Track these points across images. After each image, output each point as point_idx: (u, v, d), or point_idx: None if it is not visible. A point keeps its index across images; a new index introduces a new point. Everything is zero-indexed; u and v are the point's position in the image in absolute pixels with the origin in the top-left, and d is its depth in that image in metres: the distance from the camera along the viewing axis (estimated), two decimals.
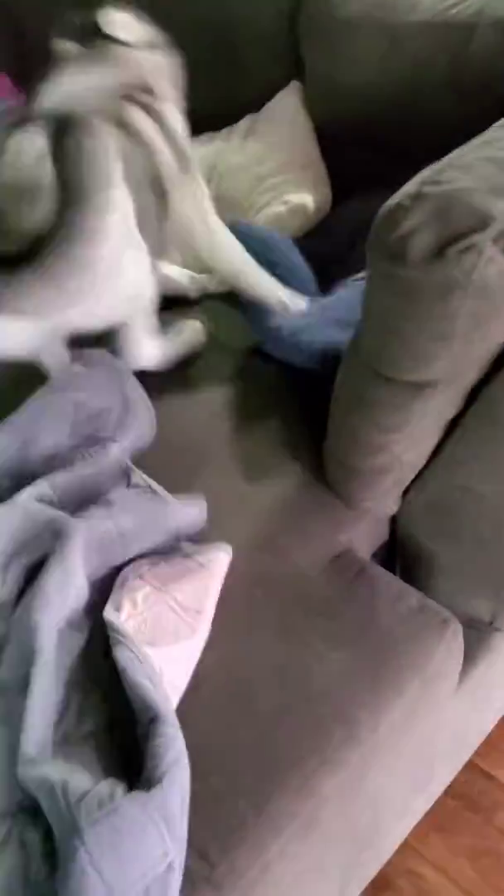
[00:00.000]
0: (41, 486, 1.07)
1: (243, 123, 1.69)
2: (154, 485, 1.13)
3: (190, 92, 1.87)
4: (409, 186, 0.80)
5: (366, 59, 1.47)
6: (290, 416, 1.24)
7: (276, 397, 1.27)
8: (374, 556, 1.19)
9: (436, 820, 1.37)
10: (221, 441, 1.22)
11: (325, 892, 1.01)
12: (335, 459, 1.09)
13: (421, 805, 1.24)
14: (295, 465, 1.18)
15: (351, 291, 1.31)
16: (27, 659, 0.89)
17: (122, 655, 0.86)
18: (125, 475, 1.16)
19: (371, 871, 1.15)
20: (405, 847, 1.31)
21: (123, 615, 0.93)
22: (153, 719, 0.80)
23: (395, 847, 1.21)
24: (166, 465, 1.18)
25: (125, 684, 0.84)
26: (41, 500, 1.04)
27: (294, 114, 1.64)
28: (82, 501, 1.09)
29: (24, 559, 0.97)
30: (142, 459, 1.19)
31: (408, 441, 0.97)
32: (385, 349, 0.88)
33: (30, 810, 0.80)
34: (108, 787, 0.76)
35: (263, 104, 1.70)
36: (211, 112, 1.76)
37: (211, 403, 1.29)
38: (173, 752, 0.78)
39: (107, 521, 0.98)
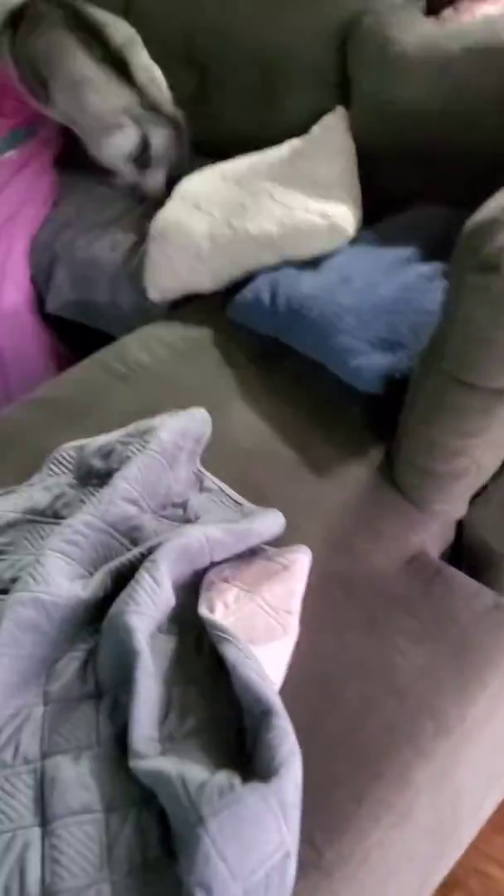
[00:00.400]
0: (121, 487, 1.10)
1: (289, 143, 1.73)
2: (226, 488, 1.17)
3: (235, 114, 1.93)
4: (501, 201, 0.84)
5: (415, 82, 1.52)
6: (356, 419, 1.28)
7: (340, 402, 1.31)
8: (441, 556, 1.22)
9: (498, 820, 1.39)
10: (291, 446, 1.26)
11: (411, 883, 1.04)
12: (407, 463, 1.13)
13: (490, 802, 1.27)
14: (363, 469, 1.21)
15: (381, 299, 1.34)
16: (126, 660, 0.92)
17: (229, 652, 0.89)
18: (198, 479, 1.20)
19: (447, 867, 1.18)
20: (471, 847, 1.33)
21: (217, 615, 0.97)
22: (265, 712, 0.83)
23: (468, 844, 1.23)
24: (239, 471, 1.22)
25: (234, 679, 0.87)
26: (126, 499, 1.08)
27: (339, 136, 1.69)
28: (160, 502, 1.13)
29: (109, 565, 1.00)
30: (215, 467, 1.22)
31: (487, 445, 1.01)
32: (470, 357, 0.92)
33: (144, 798, 0.83)
34: (226, 777, 0.79)
35: (306, 128, 1.74)
36: (255, 134, 1.82)
37: (277, 410, 1.33)
38: (288, 744, 0.81)
39: (196, 532, 1.02)
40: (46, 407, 1.44)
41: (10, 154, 2.30)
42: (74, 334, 2.01)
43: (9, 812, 0.86)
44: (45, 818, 0.85)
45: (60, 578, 0.96)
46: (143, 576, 0.96)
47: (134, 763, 0.84)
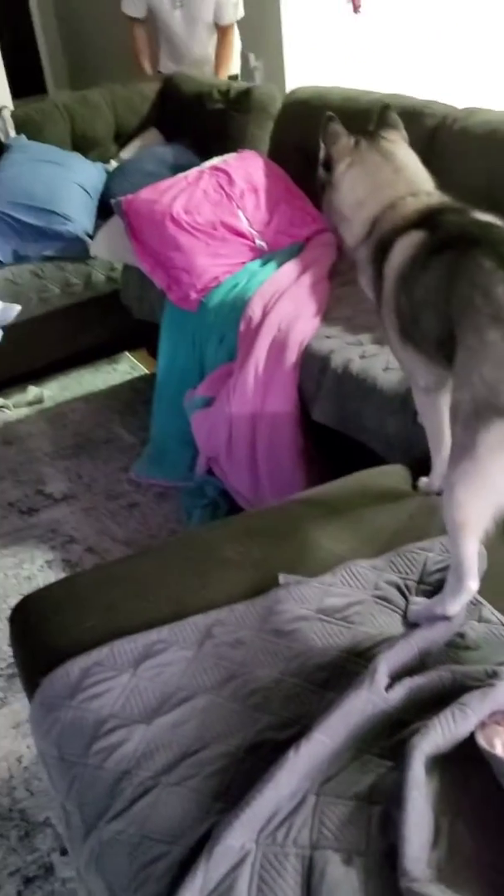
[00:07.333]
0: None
1: None
2: None
3: None
4: None
5: None
6: None
7: None
8: None
9: None
10: None
11: None
12: None
13: None
14: None
15: None
16: (399, 775, 0.95)
17: None
18: (476, 608, 1.23)
19: None
20: None
21: (498, 751, 0.98)
22: None
23: None
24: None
25: None
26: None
27: None
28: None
29: (414, 680, 1.05)
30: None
31: None
32: None
33: None
34: None
35: None
36: None
37: None
38: None
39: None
40: (317, 507, 1.53)
41: (291, 263, 2.52)
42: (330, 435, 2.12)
43: (275, 888, 0.90)
44: None
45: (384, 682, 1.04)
46: (448, 715, 1.00)
47: (406, 883, 0.86)
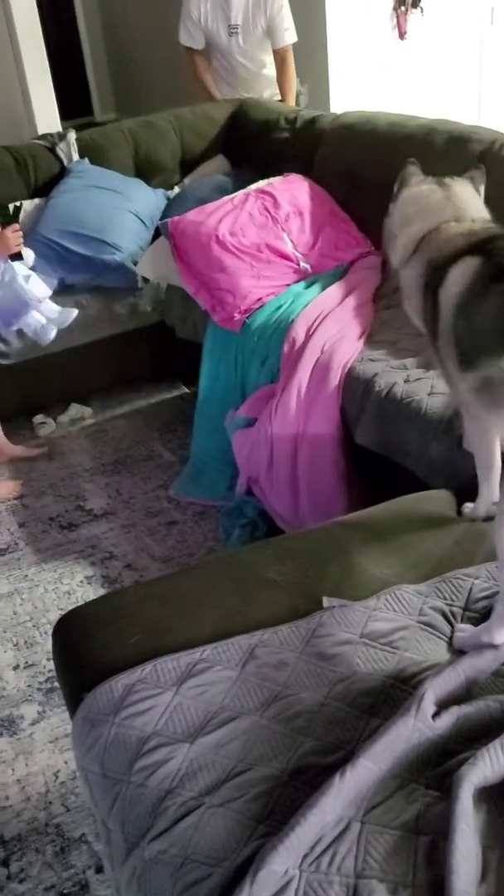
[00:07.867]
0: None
1: None
2: None
3: None
4: None
5: None
6: None
7: None
8: None
9: None
10: None
11: None
12: None
13: None
14: None
15: None
16: (447, 806, 0.94)
17: None
18: None
19: None
20: None
21: None
22: None
23: None
24: None
25: None
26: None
27: None
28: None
29: (461, 709, 1.04)
30: None
31: None
32: None
33: None
34: None
35: None
36: None
37: None
38: None
39: None
40: (360, 530, 1.53)
41: (336, 286, 2.53)
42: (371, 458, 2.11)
43: None
44: None
45: (430, 710, 1.02)
46: (496, 746, 0.99)
47: None
